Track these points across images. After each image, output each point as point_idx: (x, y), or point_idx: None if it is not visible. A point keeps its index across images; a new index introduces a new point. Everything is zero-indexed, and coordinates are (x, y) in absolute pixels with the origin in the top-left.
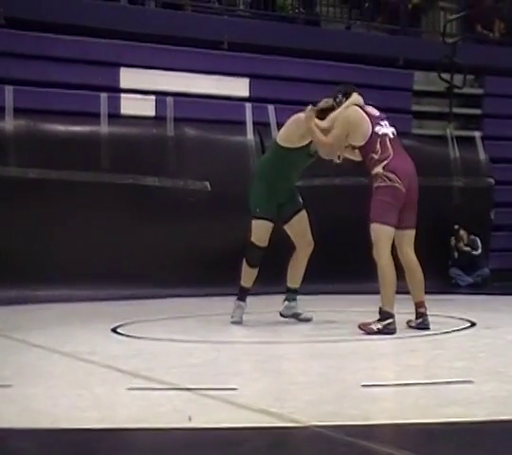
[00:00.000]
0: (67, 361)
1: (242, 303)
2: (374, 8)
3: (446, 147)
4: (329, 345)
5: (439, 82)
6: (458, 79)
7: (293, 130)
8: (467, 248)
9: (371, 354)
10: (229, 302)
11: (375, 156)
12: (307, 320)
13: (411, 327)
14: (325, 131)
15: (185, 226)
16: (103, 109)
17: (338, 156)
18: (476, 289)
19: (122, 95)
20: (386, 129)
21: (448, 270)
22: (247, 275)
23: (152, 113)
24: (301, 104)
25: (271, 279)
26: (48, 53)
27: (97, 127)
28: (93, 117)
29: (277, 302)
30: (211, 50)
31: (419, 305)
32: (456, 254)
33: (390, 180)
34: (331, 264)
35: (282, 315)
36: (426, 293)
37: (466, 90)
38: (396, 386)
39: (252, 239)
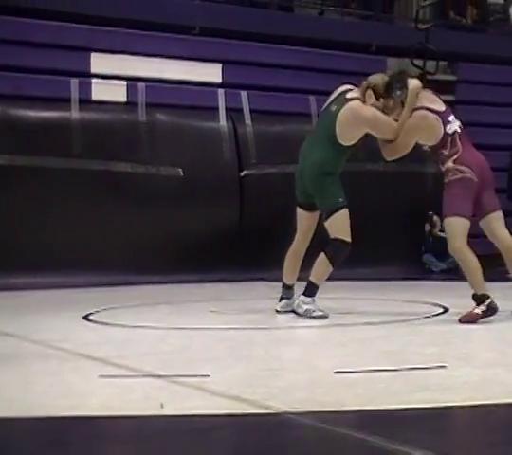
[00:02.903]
0: (39, 349)
1: (315, 298)
2: None
3: None
4: (302, 331)
5: (412, 69)
6: (431, 65)
7: (356, 133)
8: (442, 234)
9: (344, 340)
10: (202, 289)
11: (445, 152)
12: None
13: None
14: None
15: (157, 212)
16: (74, 94)
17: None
18: (449, 275)
19: (93, 80)
20: (455, 125)
21: (421, 256)
22: (326, 275)
23: (123, 98)
24: (273, 90)
25: (247, 265)
26: (18, 38)
27: (67, 113)
28: (64, 102)
29: (252, 289)
30: (184, 35)
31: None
32: (431, 240)
33: (461, 172)
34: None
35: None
36: (400, 279)
37: (439, 76)
38: (369, 372)
39: (340, 236)
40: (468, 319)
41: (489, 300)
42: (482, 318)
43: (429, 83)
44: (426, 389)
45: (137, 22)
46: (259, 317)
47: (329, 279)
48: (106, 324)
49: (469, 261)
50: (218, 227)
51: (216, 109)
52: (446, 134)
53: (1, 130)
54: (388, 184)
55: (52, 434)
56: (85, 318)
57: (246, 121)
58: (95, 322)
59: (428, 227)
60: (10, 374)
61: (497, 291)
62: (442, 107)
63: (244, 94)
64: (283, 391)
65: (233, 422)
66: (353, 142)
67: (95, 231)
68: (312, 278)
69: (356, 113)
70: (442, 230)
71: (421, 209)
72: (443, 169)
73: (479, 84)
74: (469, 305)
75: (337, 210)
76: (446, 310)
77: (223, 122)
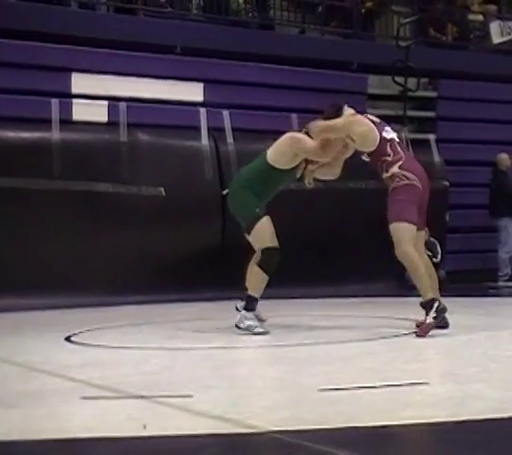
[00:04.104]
0: (20, 371)
1: (255, 314)
2: (327, 12)
3: None
4: (286, 349)
5: (393, 86)
6: (412, 82)
7: (285, 151)
8: (428, 252)
9: (327, 357)
10: (185, 308)
11: (389, 158)
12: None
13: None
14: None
15: (140, 232)
16: (55, 115)
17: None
18: None
19: (74, 100)
20: (392, 134)
21: (404, 273)
22: (261, 284)
23: (104, 118)
24: (255, 109)
25: (230, 284)
26: None
27: (48, 133)
28: (44, 123)
29: (233, 308)
30: (165, 55)
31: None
32: None
33: (407, 178)
34: (284, 269)
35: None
36: (383, 296)
37: (420, 93)
38: (353, 389)
39: (266, 245)
40: (424, 333)
41: (437, 304)
42: (435, 325)
43: (410, 100)
44: (409, 405)
45: (117, 42)
46: (241, 336)
47: (313, 296)
48: (88, 345)
49: (417, 264)
50: (201, 245)
51: (198, 128)
52: (384, 138)
53: None
54: (370, 201)
55: None
56: (67, 339)
57: (228, 140)
58: (77, 343)
59: None
60: None
61: (481, 307)
62: (377, 120)
63: (225, 113)
64: (267, 409)
65: (217, 442)
66: (279, 166)
67: (77, 252)
68: (249, 291)
69: (290, 139)
70: (429, 249)
71: None
72: (387, 175)
73: (460, 101)
74: (451, 320)
75: (255, 222)
76: None
77: (205, 141)
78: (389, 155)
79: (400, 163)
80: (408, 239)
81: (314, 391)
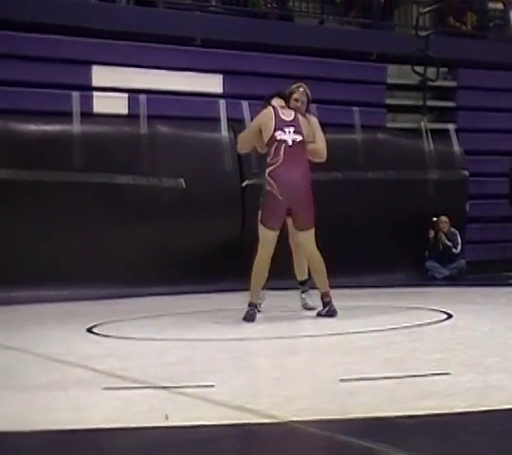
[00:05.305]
0: (42, 362)
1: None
2: (346, 2)
3: (420, 140)
4: (305, 340)
5: (412, 76)
6: (431, 72)
7: None
8: (449, 243)
9: (347, 348)
10: (204, 300)
11: (268, 159)
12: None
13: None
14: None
15: (159, 224)
16: (75, 108)
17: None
18: (452, 281)
19: (95, 93)
20: (286, 136)
21: (424, 263)
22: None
23: (125, 111)
24: None
25: (249, 276)
26: (19, 52)
27: (69, 126)
28: (65, 115)
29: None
30: (184, 47)
31: (326, 295)
32: (440, 247)
33: (270, 185)
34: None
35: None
36: (403, 286)
37: (440, 83)
38: (373, 379)
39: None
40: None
41: (329, 299)
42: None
43: (430, 90)
44: (430, 395)
45: (137, 34)
46: (261, 327)
47: (332, 286)
48: (110, 337)
49: (261, 258)
50: (220, 237)
51: (218, 120)
52: (273, 137)
53: (2, 144)
54: (390, 192)
55: (55, 448)
56: (89, 330)
57: None
58: (98, 335)
59: (432, 234)
60: (12, 388)
61: (502, 297)
62: (288, 118)
63: (245, 104)
64: (288, 400)
65: (238, 432)
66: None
67: (97, 244)
68: None
69: None
70: (449, 239)
71: (423, 216)
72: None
73: (479, 90)
74: (472, 310)
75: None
76: (449, 316)
77: (224, 133)
78: (269, 156)
79: (272, 168)
80: (266, 241)
81: (334, 381)
